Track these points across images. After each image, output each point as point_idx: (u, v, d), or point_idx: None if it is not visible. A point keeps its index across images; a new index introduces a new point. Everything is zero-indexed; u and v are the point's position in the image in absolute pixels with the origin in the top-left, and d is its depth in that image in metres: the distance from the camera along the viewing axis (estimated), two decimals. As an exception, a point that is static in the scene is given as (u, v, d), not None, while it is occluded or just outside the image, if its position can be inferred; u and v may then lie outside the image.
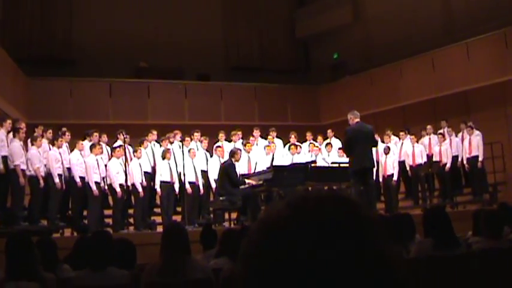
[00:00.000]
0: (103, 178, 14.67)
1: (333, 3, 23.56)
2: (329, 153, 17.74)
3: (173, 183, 15.29)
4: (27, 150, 14.03)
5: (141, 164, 15.10)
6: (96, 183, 14.35)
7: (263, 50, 24.67)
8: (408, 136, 17.82)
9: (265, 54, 24.61)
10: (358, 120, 13.34)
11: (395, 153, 17.57)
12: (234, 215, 15.38)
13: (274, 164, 15.94)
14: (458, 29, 20.03)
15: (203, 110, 21.11)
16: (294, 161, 16.25)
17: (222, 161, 15.47)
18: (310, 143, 18.02)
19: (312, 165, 15.31)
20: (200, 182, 15.74)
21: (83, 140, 15.29)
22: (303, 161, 16.07)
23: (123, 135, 15.28)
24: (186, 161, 15.19)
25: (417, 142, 17.71)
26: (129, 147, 15.46)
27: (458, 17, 20.42)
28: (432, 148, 17.67)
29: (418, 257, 5.90)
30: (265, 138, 17.66)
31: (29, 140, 14.49)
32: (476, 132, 16.95)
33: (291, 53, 25.18)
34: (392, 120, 19.84)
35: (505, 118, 18.25)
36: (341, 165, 14.95)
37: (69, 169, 14.65)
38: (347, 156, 14.04)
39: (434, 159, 17.41)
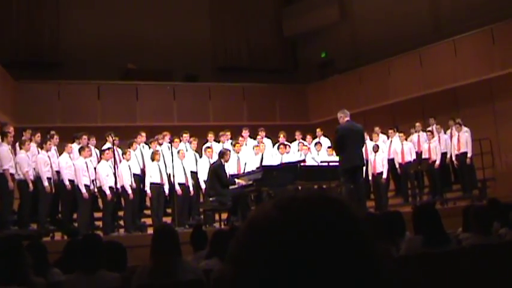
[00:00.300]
0: (92, 181, 14.63)
1: (320, 2, 23.55)
2: (318, 152, 17.75)
3: (163, 184, 15.27)
4: (15, 154, 13.98)
5: (130, 166, 15.07)
6: (86, 186, 14.33)
7: (251, 50, 24.64)
8: (397, 134, 17.85)
9: (253, 54, 24.59)
10: (348, 118, 13.37)
11: (384, 151, 17.60)
12: (224, 216, 15.37)
13: (263, 164, 15.96)
14: (446, 26, 20.07)
15: (192, 111, 21.08)
16: (283, 161, 16.27)
17: (212, 161, 15.46)
18: (299, 142, 18.02)
19: (302, 164, 15.33)
20: (190, 183, 15.72)
21: (71, 143, 15.25)
22: (292, 160, 16.08)
23: (112, 137, 15.27)
24: (176, 163, 15.16)
25: (406, 140, 17.75)
26: (118, 150, 15.44)
27: (445, 14, 20.47)
28: (421, 145, 17.71)
29: (409, 254, 5.91)
30: (254, 138, 17.67)
31: (17, 144, 14.43)
32: (465, 128, 17.01)
33: (278, 53, 25.16)
34: (381, 118, 19.86)
35: (493, 114, 18.30)
36: (330, 164, 14.95)
37: (58, 172, 14.61)
38: (337, 155, 14.05)
39: (423, 156, 17.45)
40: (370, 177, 17.40)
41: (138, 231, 14.87)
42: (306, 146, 17.72)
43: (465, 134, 16.90)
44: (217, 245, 6.36)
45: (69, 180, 14.41)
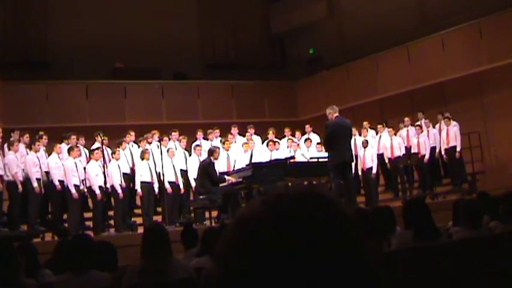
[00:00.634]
0: (82, 181, 14.59)
1: (307, -2, 23.59)
2: (308, 148, 17.75)
3: (153, 183, 15.26)
4: (4, 156, 13.94)
5: (119, 165, 15.04)
6: (76, 186, 14.28)
7: (239, 47, 24.62)
8: (386, 129, 17.87)
9: (241, 51, 24.57)
10: (337, 114, 13.40)
11: (373, 146, 17.64)
12: (214, 214, 15.36)
13: (253, 161, 15.98)
14: (433, 20, 20.12)
15: (180, 109, 21.06)
16: (273, 158, 16.27)
17: (201, 159, 15.45)
18: (289, 138, 18.04)
19: (291, 161, 15.35)
20: (180, 182, 15.71)
21: (60, 143, 15.20)
22: (282, 157, 16.10)
23: (101, 137, 15.23)
24: (165, 161, 15.15)
25: (395, 134, 17.77)
26: (107, 149, 15.42)
27: (432, 9, 20.51)
28: (410, 140, 17.74)
29: (399, 249, 5.92)
30: (244, 136, 17.67)
31: (5, 145, 14.37)
32: (454, 122, 17.06)
33: (266, 49, 25.16)
34: (370, 113, 19.88)
35: (481, 108, 18.36)
36: (320, 160, 14.98)
37: (47, 173, 14.57)
38: (326, 151, 14.08)
39: (412, 151, 17.48)
40: (359, 173, 17.43)
41: (128, 230, 14.85)
42: (295, 142, 17.73)
43: (454, 128, 16.96)
44: (208, 242, 6.35)
45: (59, 181, 14.36)
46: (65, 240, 7.94)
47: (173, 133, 16.62)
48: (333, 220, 1.11)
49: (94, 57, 20.81)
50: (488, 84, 18.10)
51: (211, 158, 14.90)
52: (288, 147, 17.57)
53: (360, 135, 17.85)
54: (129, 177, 15.44)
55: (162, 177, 15.21)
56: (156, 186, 15.33)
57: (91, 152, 14.97)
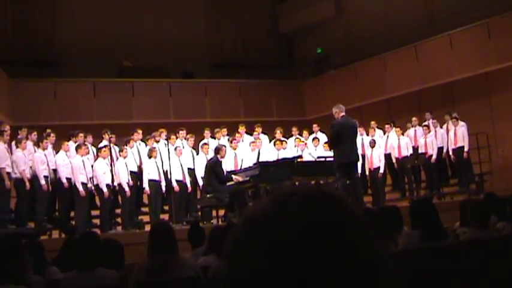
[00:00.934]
0: (90, 179, 14.61)
1: (315, -3, 23.58)
2: (316, 147, 17.73)
3: (161, 181, 15.27)
4: (11, 153, 13.96)
5: (127, 163, 15.05)
6: (83, 184, 14.30)
7: (246, 46, 24.63)
8: (393, 128, 17.84)
9: (248, 50, 24.57)
10: (343, 114, 13.33)
11: (381, 146, 17.62)
12: (221, 212, 15.36)
13: (260, 160, 15.96)
14: (441, 20, 20.08)
15: (188, 108, 21.06)
16: (280, 157, 16.26)
17: (208, 158, 15.45)
18: (296, 138, 18.02)
19: (298, 160, 15.33)
20: (187, 180, 15.71)
21: (67, 141, 15.22)
22: (289, 156, 16.08)
23: (109, 135, 15.26)
24: (173, 159, 15.16)
25: (403, 134, 17.75)
26: (115, 147, 15.44)
27: (441, 9, 20.46)
28: (418, 140, 17.71)
29: (406, 249, 5.91)
30: (251, 135, 17.66)
31: (13, 143, 14.41)
32: (461, 123, 17.02)
33: (274, 49, 25.16)
34: (377, 113, 19.87)
35: (489, 108, 18.31)
36: (327, 159, 14.96)
37: (55, 171, 14.59)
38: (330, 150, 14.07)
39: (419, 151, 17.46)
40: (367, 172, 17.42)
41: (135, 228, 14.87)
42: (303, 141, 17.72)
43: (462, 128, 16.92)
44: (214, 241, 6.35)
45: (67, 178, 14.38)
46: (72, 237, 7.95)
47: (181, 132, 16.62)
48: (342, 219, 1.11)
49: (102, 56, 20.84)
50: (496, 85, 18.05)
51: (218, 157, 14.89)
52: (295, 146, 17.55)
53: (368, 135, 17.85)
54: (137, 176, 15.45)
55: (169, 176, 15.22)
56: (163, 184, 15.34)
57: (98, 150, 14.99)
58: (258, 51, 24.50)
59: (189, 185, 15.77)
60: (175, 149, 15.62)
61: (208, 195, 14.67)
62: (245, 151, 16.72)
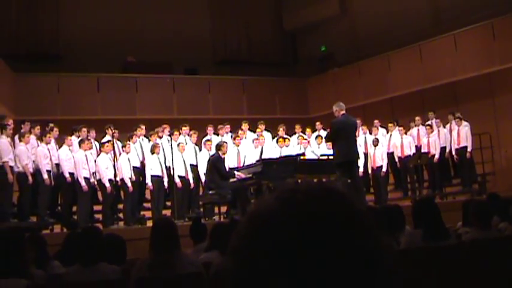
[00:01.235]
0: (92, 173, 14.63)
1: (320, -5, 23.56)
2: (319, 145, 17.74)
3: (163, 177, 15.28)
4: (15, 147, 13.97)
5: (130, 158, 15.07)
6: (86, 178, 14.31)
7: (251, 43, 24.62)
8: (397, 128, 17.84)
9: (252, 47, 24.57)
10: (343, 112, 13.28)
11: (384, 145, 17.61)
12: (224, 209, 15.38)
13: (263, 157, 15.95)
14: (446, 20, 20.06)
15: (191, 104, 21.07)
16: (283, 154, 16.26)
17: (211, 154, 15.45)
18: (299, 135, 18.02)
19: (301, 157, 15.33)
20: (190, 176, 15.72)
21: (70, 136, 15.22)
22: (292, 153, 16.08)
23: (112, 130, 15.26)
24: (175, 155, 15.16)
25: (406, 133, 17.74)
26: (118, 142, 15.44)
27: (445, 8, 20.44)
28: (421, 139, 17.70)
29: (408, 248, 5.91)
30: (254, 132, 17.65)
31: (16, 137, 14.41)
32: (465, 123, 17.00)
33: (278, 46, 25.15)
34: (380, 112, 19.86)
35: (493, 109, 18.29)
36: (330, 157, 14.95)
37: (57, 165, 14.60)
38: (331, 147, 14.08)
39: (422, 150, 17.44)
40: (369, 171, 17.43)
41: (137, 224, 14.88)
42: (306, 139, 17.72)
43: (465, 128, 16.90)
44: (216, 238, 6.36)
45: (69, 173, 14.40)
46: (74, 232, 7.97)
47: (184, 128, 16.62)
48: (346, 216, 1.11)
49: (106, 51, 20.85)
50: (500, 85, 18.04)
51: (220, 153, 14.91)
52: (298, 144, 17.55)
53: (371, 133, 17.85)
54: (139, 171, 15.47)
55: (172, 172, 15.22)
56: (165, 180, 15.35)
57: (101, 145, 14.99)
58: (262, 48, 24.50)
59: (191, 181, 15.78)
60: (178, 145, 15.63)
61: (210, 192, 14.68)
62: (248, 148, 16.72)
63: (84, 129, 15.50)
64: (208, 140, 16.44)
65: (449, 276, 5.54)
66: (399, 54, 20.49)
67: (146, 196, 16.03)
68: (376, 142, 17.29)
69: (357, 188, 13.35)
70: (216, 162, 14.75)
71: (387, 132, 18.18)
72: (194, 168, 15.95)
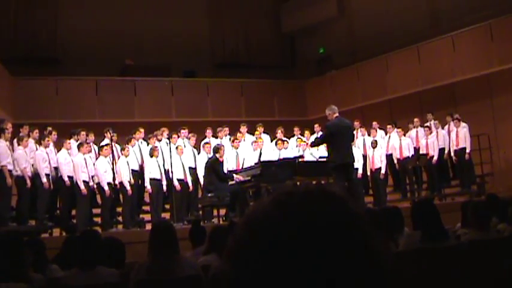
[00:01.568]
0: (91, 177, 14.62)
1: (318, -3, 23.58)
2: (317, 148, 17.72)
3: (162, 180, 15.28)
4: (13, 151, 13.96)
5: (128, 162, 15.07)
6: (85, 182, 14.30)
7: (249, 46, 24.63)
8: (395, 129, 17.84)
9: (251, 50, 24.58)
10: (337, 115, 13.16)
11: (382, 146, 17.60)
12: (222, 212, 15.37)
13: (262, 159, 15.94)
14: (444, 21, 20.08)
15: (190, 107, 21.08)
16: (282, 156, 16.25)
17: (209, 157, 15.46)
18: (298, 137, 18.01)
19: (300, 160, 15.31)
20: (188, 179, 15.71)
21: (69, 139, 15.21)
22: (291, 156, 16.07)
23: (110, 133, 15.25)
24: (174, 158, 15.15)
25: (404, 135, 17.73)
26: (117, 146, 15.43)
27: (443, 10, 20.45)
28: (419, 141, 17.71)
29: (407, 249, 5.91)
30: (253, 134, 17.65)
31: (15, 140, 14.40)
32: (463, 124, 17.01)
33: (277, 48, 25.15)
34: (379, 114, 19.85)
35: (491, 110, 18.30)
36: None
37: (56, 168, 14.59)
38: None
39: (421, 152, 17.44)
40: (368, 173, 17.43)
41: (136, 227, 14.87)
42: (304, 141, 17.71)
43: (463, 129, 16.91)
44: (215, 240, 6.35)
45: (68, 177, 14.39)
46: (73, 235, 7.96)
47: (182, 130, 16.62)
48: (344, 219, 1.11)
49: (104, 54, 20.86)
50: (498, 86, 18.05)
51: (217, 155, 14.91)
52: (296, 146, 17.54)
53: (369, 135, 17.85)
54: (138, 174, 15.47)
55: (170, 175, 15.21)
56: (164, 183, 15.34)
57: (100, 148, 14.99)
58: (260, 50, 24.51)
59: (190, 184, 15.77)
60: (177, 148, 15.62)
61: (209, 195, 14.67)
62: (247, 151, 16.72)
63: (83, 133, 15.50)
64: (207, 143, 16.45)
65: (448, 278, 5.54)
66: (397, 55, 20.51)
67: (145, 199, 16.03)
68: (374, 144, 17.28)
69: (354, 190, 13.29)
70: (213, 164, 14.75)
71: (386, 134, 18.18)
72: (193, 171, 15.95)
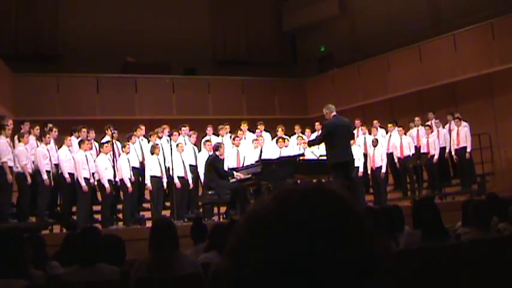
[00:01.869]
0: (92, 174, 14.61)
1: (319, -5, 23.57)
2: (318, 146, 17.71)
3: (163, 177, 15.26)
4: (14, 147, 13.96)
5: (129, 159, 15.06)
6: (85, 179, 14.30)
7: (250, 44, 24.62)
8: (396, 128, 17.83)
9: (252, 47, 24.56)
10: (334, 113, 13.10)
11: (383, 145, 17.59)
12: (223, 209, 15.37)
13: (262, 157, 15.93)
14: (445, 20, 20.06)
15: (191, 105, 21.08)
16: (282, 154, 16.23)
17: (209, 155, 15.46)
18: (299, 136, 18.00)
19: (301, 158, 15.30)
20: (189, 177, 15.70)
21: (70, 136, 15.21)
22: (291, 154, 16.06)
23: (111, 130, 15.25)
24: (175, 156, 15.14)
25: (405, 134, 17.72)
26: (117, 143, 15.42)
27: (445, 9, 20.44)
28: (420, 140, 17.70)
29: (408, 248, 5.90)
30: (253, 132, 17.64)
31: (15, 137, 14.40)
32: (464, 123, 17.01)
33: (278, 46, 25.14)
34: (380, 112, 19.84)
35: (493, 109, 18.30)
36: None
37: (57, 165, 14.59)
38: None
39: (422, 150, 17.44)
40: (369, 172, 17.42)
41: (136, 224, 14.87)
42: (305, 139, 17.69)
43: (464, 128, 16.91)
44: (216, 238, 6.35)
45: (69, 173, 14.38)
46: (73, 232, 7.96)
47: (183, 128, 16.60)
48: (344, 217, 1.11)
49: (105, 51, 20.85)
50: (499, 86, 18.05)
51: (217, 153, 14.91)
52: (297, 144, 17.52)
53: (370, 134, 17.84)
54: (139, 171, 15.46)
55: (171, 172, 15.21)
56: (165, 180, 15.33)
57: (101, 145, 14.99)
58: (261, 48, 24.50)
59: (190, 181, 15.76)
60: (178, 145, 15.61)
61: (209, 192, 14.67)
62: (247, 148, 16.71)
63: (84, 130, 15.48)
64: (207, 141, 16.43)
65: (448, 277, 5.53)
66: (399, 54, 20.49)
67: (145, 196, 16.01)
68: (375, 142, 17.27)
69: (354, 189, 13.27)
70: (213, 162, 14.76)
71: (386, 133, 18.17)
72: (193, 168, 15.94)
